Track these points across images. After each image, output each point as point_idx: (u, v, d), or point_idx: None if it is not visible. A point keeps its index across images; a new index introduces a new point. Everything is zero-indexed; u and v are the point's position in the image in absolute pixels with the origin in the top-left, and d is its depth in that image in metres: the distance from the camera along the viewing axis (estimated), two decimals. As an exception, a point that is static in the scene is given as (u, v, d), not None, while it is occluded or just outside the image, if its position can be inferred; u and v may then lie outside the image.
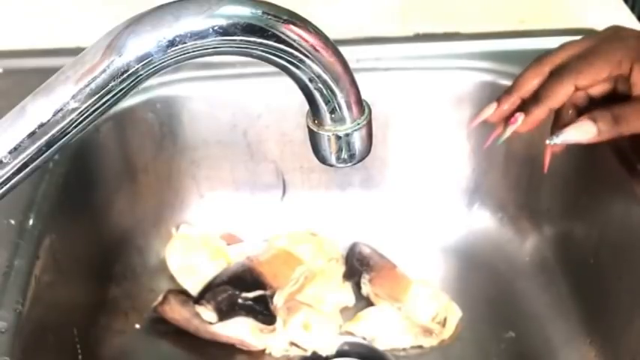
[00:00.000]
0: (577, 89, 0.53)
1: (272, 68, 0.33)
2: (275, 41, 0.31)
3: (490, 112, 0.57)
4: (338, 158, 0.36)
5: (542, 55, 0.56)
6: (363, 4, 0.80)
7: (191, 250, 0.72)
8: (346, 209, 0.77)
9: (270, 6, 0.31)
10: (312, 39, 0.32)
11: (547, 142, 0.54)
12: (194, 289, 0.69)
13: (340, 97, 0.34)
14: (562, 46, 0.56)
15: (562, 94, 0.53)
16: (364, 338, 0.66)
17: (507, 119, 0.56)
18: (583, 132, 0.52)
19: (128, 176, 0.73)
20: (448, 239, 0.75)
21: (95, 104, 0.30)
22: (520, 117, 0.55)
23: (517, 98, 0.56)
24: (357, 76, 0.34)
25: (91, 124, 0.31)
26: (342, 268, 0.72)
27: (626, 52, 0.53)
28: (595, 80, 0.53)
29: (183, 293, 0.69)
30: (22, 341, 0.50)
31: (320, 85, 0.33)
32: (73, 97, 0.30)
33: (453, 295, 0.70)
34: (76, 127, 0.31)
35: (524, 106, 0.56)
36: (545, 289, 0.70)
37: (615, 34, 0.55)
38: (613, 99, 0.54)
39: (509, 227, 0.75)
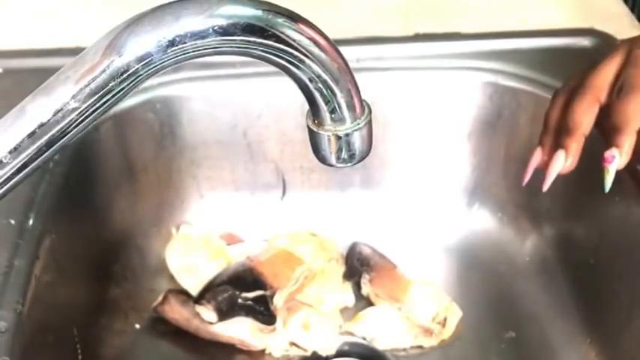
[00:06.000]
0: (600, 104, 0.50)
1: (272, 68, 0.33)
2: (275, 41, 0.31)
3: (538, 158, 0.54)
4: (338, 158, 0.36)
5: (562, 86, 0.54)
6: (364, 4, 0.80)
7: (191, 250, 0.72)
8: (346, 209, 0.77)
9: (270, 6, 0.31)
10: (312, 39, 0.32)
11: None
12: (194, 289, 0.69)
13: (340, 97, 0.34)
14: (579, 76, 0.53)
15: (588, 114, 0.50)
16: (364, 338, 0.66)
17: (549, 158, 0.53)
18: None
19: (128, 176, 0.73)
20: (448, 239, 0.75)
21: (95, 104, 0.30)
22: (561, 154, 0.51)
23: (553, 132, 0.53)
24: (357, 76, 0.34)
25: (91, 124, 0.31)
26: (342, 268, 0.72)
27: (627, 42, 0.51)
28: (606, 82, 0.50)
29: (183, 293, 0.69)
30: (22, 341, 0.50)
31: (320, 85, 0.33)
32: (73, 97, 0.30)
33: (453, 295, 0.70)
34: (76, 127, 0.31)
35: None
36: (545, 289, 0.70)
37: (620, 45, 0.52)
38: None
39: (509, 227, 0.75)
